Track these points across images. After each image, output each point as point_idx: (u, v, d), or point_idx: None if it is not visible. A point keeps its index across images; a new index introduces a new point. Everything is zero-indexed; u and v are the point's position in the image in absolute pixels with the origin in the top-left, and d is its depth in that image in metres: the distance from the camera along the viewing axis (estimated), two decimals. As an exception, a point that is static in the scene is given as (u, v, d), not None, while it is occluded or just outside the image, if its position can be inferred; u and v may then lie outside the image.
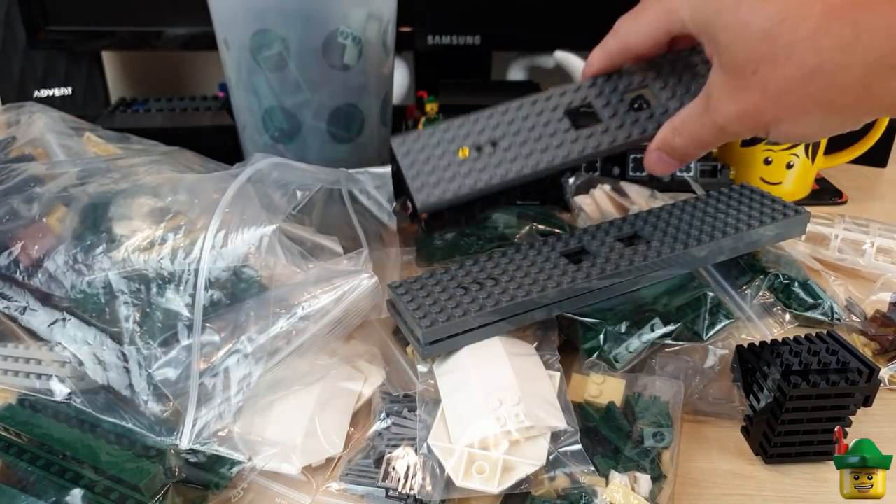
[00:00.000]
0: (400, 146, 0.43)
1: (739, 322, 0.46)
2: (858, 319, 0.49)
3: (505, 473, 0.35)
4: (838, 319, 0.48)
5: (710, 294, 0.45)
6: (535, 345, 0.43)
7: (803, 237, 0.52)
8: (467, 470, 0.35)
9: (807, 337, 0.42)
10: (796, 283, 0.49)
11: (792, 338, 0.42)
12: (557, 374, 0.41)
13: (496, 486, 0.34)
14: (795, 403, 0.37)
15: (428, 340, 0.41)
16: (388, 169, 0.48)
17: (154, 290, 0.39)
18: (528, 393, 0.38)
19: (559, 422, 0.37)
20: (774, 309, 0.48)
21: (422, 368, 0.42)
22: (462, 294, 0.43)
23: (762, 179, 0.67)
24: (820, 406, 0.37)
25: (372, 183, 0.47)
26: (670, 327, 0.43)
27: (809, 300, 0.48)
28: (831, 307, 0.49)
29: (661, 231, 0.47)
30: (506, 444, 0.36)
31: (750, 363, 0.41)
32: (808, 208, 0.50)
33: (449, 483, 0.35)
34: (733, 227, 0.47)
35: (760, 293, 0.49)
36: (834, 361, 0.38)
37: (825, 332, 0.42)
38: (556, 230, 0.55)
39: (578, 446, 0.37)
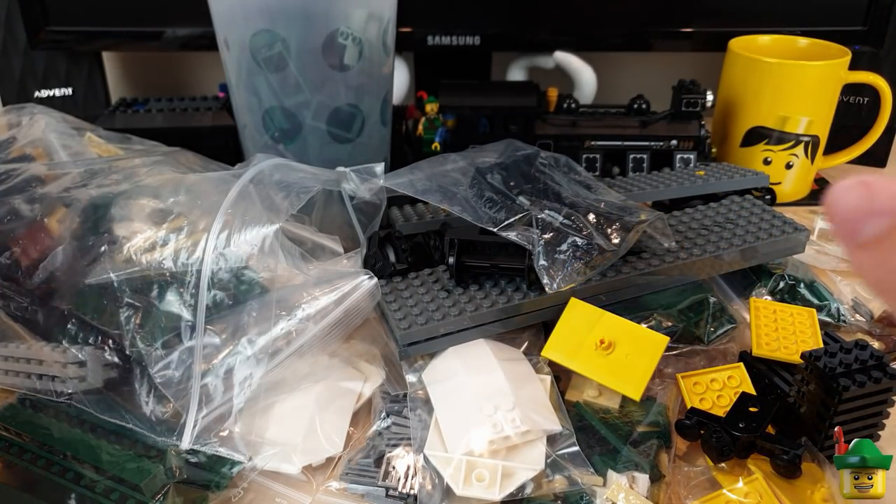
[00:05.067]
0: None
1: (742, 326, 0.46)
2: (864, 319, 0.49)
3: (505, 479, 0.35)
4: (844, 321, 0.48)
5: (713, 299, 0.46)
6: (522, 348, 0.43)
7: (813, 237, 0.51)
8: (467, 478, 0.35)
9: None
10: (802, 285, 0.49)
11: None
12: (548, 378, 0.41)
13: (497, 493, 0.34)
14: (846, 406, 0.36)
15: (405, 342, 0.42)
16: (381, 165, 0.48)
17: (156, 291, 0.40)
18: (522, 397, 0.38)
19: (554, 424, 0.37)
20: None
21: (411, 378, 0.42)
22: (444, 297, 0.43)
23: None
24: (865, 404, 0.37)
25: (364, 183, 0.47)
26: (671, 329, 0.43)
27: (815, 301, 0.48)
28: (837, 308, 0.49)
29: (656, 242, 0.47)
30: (503, 450, 0.36)
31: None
32: (808, 208, 0.50)
33: (449, 492, 0.35)
34: (728, 242, 0.47)
35: (764, 298, 0.49)
36: (868, 358, 0.37)
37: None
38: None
39: (576, 448, 0.37)
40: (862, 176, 0.24)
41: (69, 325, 0.41)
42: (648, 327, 0.43)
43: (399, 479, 0.37)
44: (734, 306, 0.49)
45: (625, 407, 0.40)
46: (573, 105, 0.68)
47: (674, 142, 0.66)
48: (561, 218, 0.42)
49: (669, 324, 0.44)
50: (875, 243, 0.23)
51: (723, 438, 0.36)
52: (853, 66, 0.63)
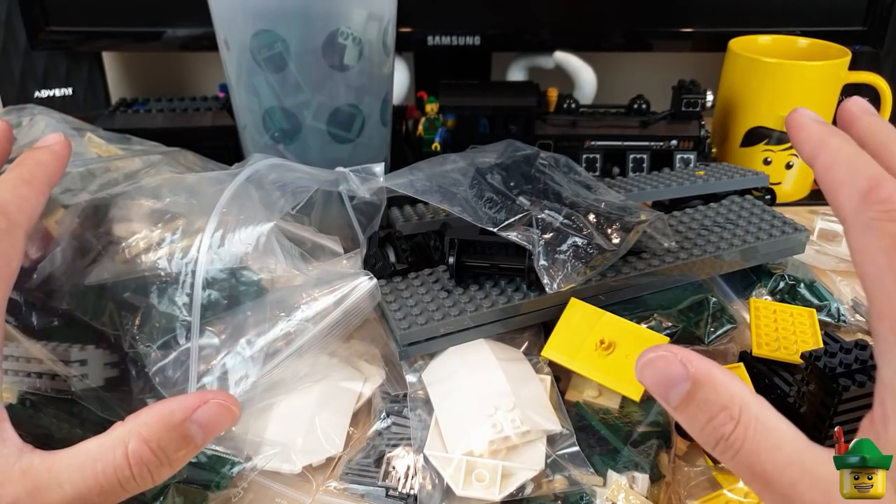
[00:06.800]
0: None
1: (742, 326, 0.46)
2: (864, 319, 0.49)
3: (505, 480, 0.35)
4: (844, 321, 0.48)
5: (713, 299, 0.45)
6: (522, 348, 0.43)
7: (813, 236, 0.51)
8: (467, 478, 0.35)
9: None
10: (802, 285, 0.49)
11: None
12: (548, 378, 0.41)
13: (497, 493, 0.34)
14: (845, 406, 0.36)
15: (405, 342, 0.42)
16: (381, 165, 0.48)
17: (153, 291, 0.39)
18: (522, 398, 0.38)
19: (555, 425, 0.37)
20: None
21: (411, 378, 0.42)
22: (444, 297, 0.43)
23: (762, 179, 0.67)
24: (865, 404, 0.37)
25: (363, 183, 0.47)
26: (671, 329, 0.43)
27: (815, 301, 0.48)
28: (837, 308, 0.48)
29: (656, 242, 0.47)
30: (503, 451, 0.36)
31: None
32: (808, 208, 0.50)
33: (449, 492, 0.35)
34: (728, 242, 0.47)
35: (764, 298, 0.48)
36: (868, 358, 0.37)
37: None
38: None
39: (576, 448, 0.37)
40: (659, 349, 0.27)
41: (69, 326, 0.41)
42: (648, 327, 0.43)
43: (399, 479, 0.37)
44: (734, 306, 0.49)
45: (625, 407, 0.40)
46: (573, 105, 0.68)
47: (674, 142, 0.66)
48: (561, 218, 0.42)
49: (669, 324, 0.44)
50: (683, 405, 0.26)
51: None
52: (853, 66, 0.63)
